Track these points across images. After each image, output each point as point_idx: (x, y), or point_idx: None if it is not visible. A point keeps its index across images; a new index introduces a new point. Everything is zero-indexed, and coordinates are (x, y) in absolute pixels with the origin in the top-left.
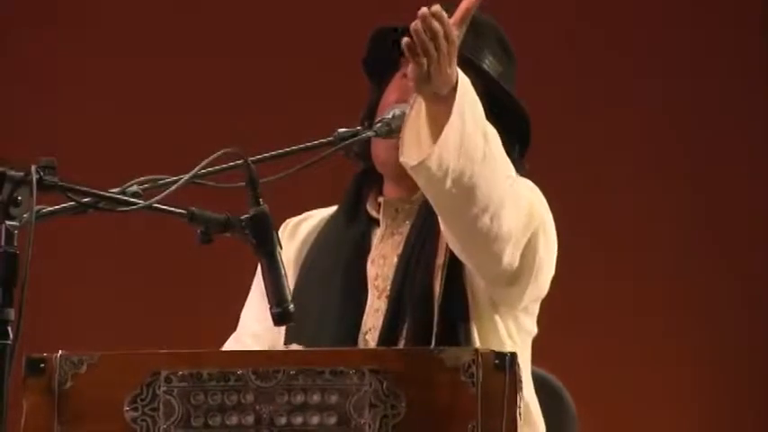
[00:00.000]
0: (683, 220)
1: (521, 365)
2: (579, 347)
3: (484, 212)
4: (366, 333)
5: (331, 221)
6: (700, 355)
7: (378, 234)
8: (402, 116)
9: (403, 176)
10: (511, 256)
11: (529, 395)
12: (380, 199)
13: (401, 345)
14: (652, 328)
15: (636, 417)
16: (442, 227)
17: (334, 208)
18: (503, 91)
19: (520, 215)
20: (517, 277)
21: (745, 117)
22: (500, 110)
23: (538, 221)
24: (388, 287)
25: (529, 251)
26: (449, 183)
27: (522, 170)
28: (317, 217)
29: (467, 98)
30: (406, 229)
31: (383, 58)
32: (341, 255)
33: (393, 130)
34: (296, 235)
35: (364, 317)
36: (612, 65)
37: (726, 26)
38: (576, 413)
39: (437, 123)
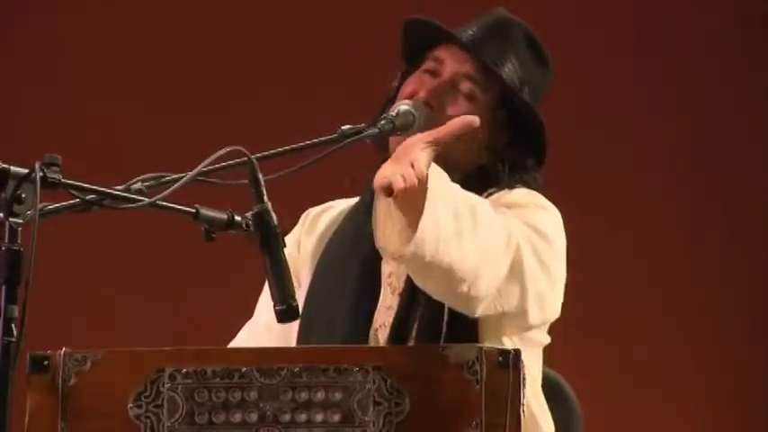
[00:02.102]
0: (694, 222)
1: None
2: (585, 349)
3: (461, 283)
4: (377, 330)
5: (350, 215)
6: (707, 359)
7: None
8: (406, 113)
9: None
10: (487, 309)
11: (539, 407)
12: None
13: (410, 343)
14: (659, 331)
15: (641, 418)
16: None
17: (355, 199)
18: (519, 100)
19: (499, 271)
20: (510, 318)
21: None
22: (517, 118)
23: (525, 264)
24: (402, 285)
25: (516, 294)
26: (428, 269)
27: (535, 184)
28: (338, 208)
29: (437, 191)
30: None
31: (417, 48)
32: (358, 251)
33: (397, 128)
34: (315, 227)
35: (376, 314)
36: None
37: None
38: (581, 414)
39: (412, 211)
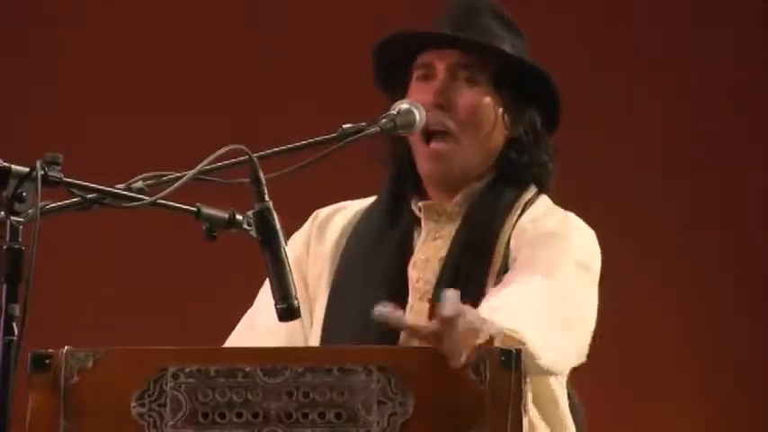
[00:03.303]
0: (695, 221)
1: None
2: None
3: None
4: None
5: (370, 218)
6: (709, 357)
7: (420, 237)
8: (407, 112)
9: (447, 186)
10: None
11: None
12: (420, 203)
13: None
14: (661, 329)
15: (643, 417)
16: None
17: (367, 201)
18: (517, 60)
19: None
20: None
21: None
22: (521, 90)
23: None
24: (431, 290)
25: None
26: None
27: (548, 154)
28: (351, 209)
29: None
30: (447, 232)
31: (393, 68)
32: (384, 256)
33: (398, 126)
34: (327, 229)
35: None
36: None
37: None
38: (584, 414)
39: None
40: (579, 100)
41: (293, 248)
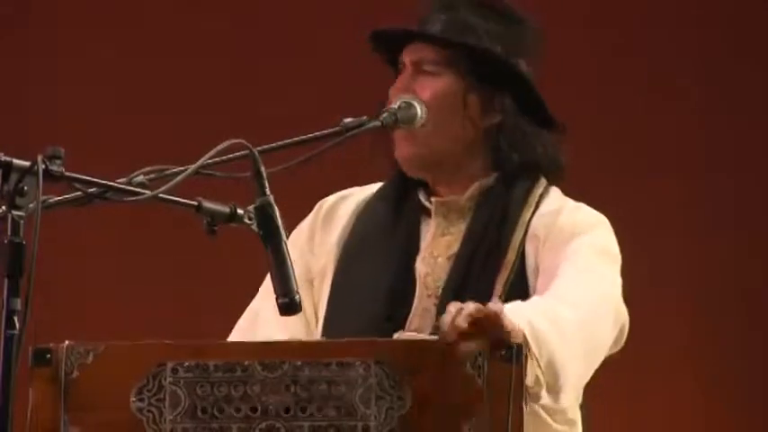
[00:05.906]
0: (696, 221)
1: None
2: None
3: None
4: (414, 332)
5: (374, 210)
6: (712, 358)
7: (429, 231)
8: (407, 107)
9: (425, 168)
10: None
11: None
12: (433, 199)
13: None
14: (664, 330)
15: (643, 415)
16: None
17: (372, 187)
18: (488, 54)
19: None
20: None
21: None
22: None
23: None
24: (440, 288)
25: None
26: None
27: (540, 142)
28: (355, 198)
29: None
30: (457, 229)
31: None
32: (390, 250)
33: (399, 120)
34: (332, 219)
35: (410, 316)
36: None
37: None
38: (589, 413)
39: None
40: (589, 102)
41: (298, 238)
